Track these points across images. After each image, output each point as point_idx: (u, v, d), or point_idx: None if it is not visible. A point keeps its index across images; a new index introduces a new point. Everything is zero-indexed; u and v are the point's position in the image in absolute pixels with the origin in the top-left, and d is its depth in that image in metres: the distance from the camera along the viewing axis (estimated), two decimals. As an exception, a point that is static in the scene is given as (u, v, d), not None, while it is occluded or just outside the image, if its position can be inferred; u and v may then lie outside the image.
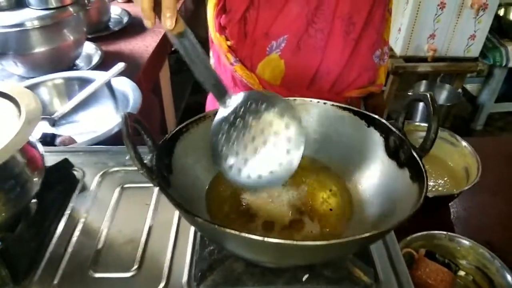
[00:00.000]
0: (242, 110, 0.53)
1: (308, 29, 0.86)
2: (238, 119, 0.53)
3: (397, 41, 2.25)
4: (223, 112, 0.54)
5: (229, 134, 0.54)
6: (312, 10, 0.84)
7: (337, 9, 0.84)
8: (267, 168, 0.54)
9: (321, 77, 0.91)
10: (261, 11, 0.85)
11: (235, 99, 0.54)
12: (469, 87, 2.85)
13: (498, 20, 2.32)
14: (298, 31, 0.86)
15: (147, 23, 0.49)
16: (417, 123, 0.98)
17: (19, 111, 0.59)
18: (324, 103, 0.65)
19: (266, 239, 0.39)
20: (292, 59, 0.89)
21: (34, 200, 0.66)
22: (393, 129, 0.58)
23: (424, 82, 2.50)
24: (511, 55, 2.30)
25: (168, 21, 0.48)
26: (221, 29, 0.90)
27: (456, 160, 0.94)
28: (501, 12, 2.41)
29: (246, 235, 0.40)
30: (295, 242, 0.40)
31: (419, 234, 0.75)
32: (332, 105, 0.64)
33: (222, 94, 0.54)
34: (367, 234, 0.42)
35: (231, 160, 0.54)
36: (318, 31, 0.86)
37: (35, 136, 0.86)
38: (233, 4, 0.86)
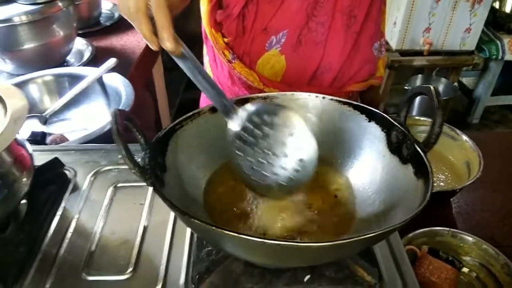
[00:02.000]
0: (249, 125, 0.54)
1: (309, 23, 0.84)
2: (248, 135, 0.54)
3: (392, 35, 2.23)
4: (233, 127, 0.54)
5: (244, 150, 0.54)
6: (312, 3, 0.82)
7: (338, 3, 0.82)
8: (286, 176, 0.55)
9: (322, 72, 0.89)
10: (260, 6, 0.83)
11: (241, 114, 0.54)
12: (465, 80, 2.84)
13: (493, 13, 2.31)
14: (298, 25, 0.84)
15: (153, 47, 0.49)
16: (416, 117, 0.97)
17: (5, 109, 0.56)
18: (323, 98, 0.63)
19: (266, 240, 0.37)
20: (293, 54, 0.87)
21: (24, 201, 0.64)
22: (395, 123, 0.56)
23: (420, 76, 2.49)
24: (506, 48, 2.29)
25: (168, 43, 0.47)
26: (217, 25, 0.87)
27: (456, 155, 0.92)
28: (497, 4, 2.39)
29: (246, 236, 0.38)
30: (296, 244, 0.38)
31: (421, 230, 0.73)
32: (331, 99, 0.62)
33: (229, 111, 0.54)
34: (370, 234, 0.40)
35: (250, 171, 0.55)
36: (319, 24, 0.84)
37: (23, 135, 0.84)
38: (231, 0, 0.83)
